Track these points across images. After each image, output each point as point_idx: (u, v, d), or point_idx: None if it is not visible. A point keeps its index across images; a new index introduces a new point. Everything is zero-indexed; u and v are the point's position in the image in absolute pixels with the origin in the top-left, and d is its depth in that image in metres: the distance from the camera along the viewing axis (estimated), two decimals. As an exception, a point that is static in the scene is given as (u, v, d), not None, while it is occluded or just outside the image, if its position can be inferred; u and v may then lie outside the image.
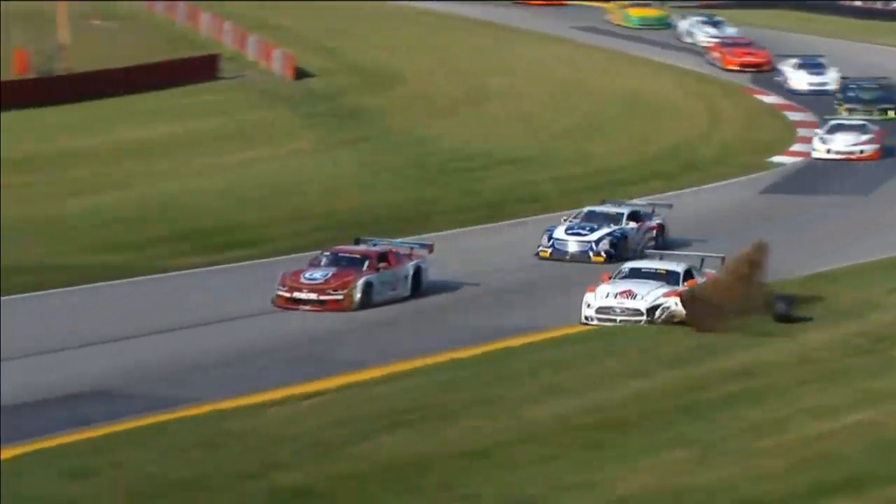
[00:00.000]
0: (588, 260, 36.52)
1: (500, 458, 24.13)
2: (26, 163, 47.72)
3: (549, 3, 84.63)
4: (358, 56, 68.05)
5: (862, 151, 50.95)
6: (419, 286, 33.22)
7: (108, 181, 45.93)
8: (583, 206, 39.10)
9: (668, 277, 31.75)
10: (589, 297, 31.36)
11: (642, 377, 28.19)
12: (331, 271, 32.09)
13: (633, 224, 37.58)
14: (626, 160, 51.25)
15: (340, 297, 31.81)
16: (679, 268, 32.18)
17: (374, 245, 33.59)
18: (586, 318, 31.27)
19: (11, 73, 58.17)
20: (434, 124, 55.49)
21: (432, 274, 33.91)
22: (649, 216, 38.50)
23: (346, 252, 32.92)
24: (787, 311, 29.78)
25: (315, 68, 64.56)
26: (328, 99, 59.64)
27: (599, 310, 31.21)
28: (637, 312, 31.00)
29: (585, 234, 36.95)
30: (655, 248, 36.67)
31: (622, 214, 37.72)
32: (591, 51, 71.83)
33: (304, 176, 47.34)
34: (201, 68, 62.06)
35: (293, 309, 31.68)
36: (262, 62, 65.43)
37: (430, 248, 34.05)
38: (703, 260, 33.23)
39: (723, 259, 32.62)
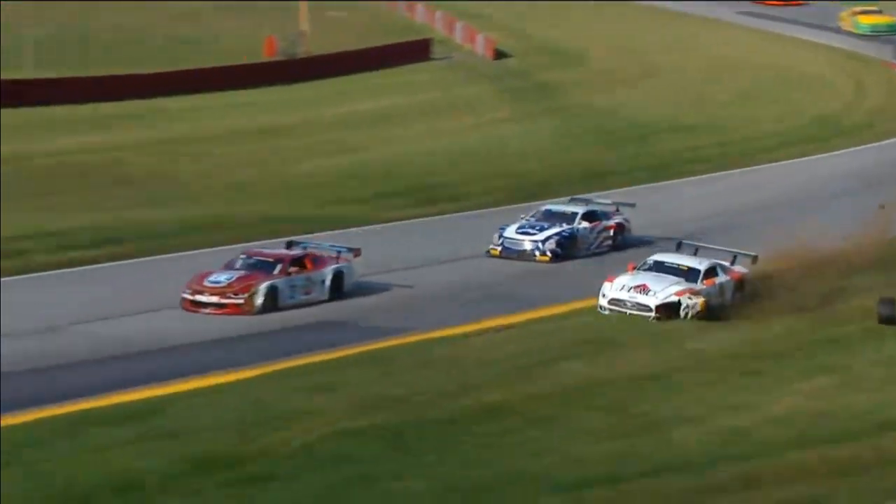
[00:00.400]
0: (535, 259, 31.85)
1: (668, 382, 23.90)
2: (272, 132, 48.43)
3: (787, 3, 76.83)
4: (548, 39, 67.63)
5: None
6: (340, 290, 28.64)
7: (340, 146, 46.38)
8: (743, 166, 37.69)
9: (689, 274, 27.95)
10: (606, 286, 27.71)
11: (795, 313, 27.64)
12: (236, 274, 27.74)
13: (586, 224, 32.67)
14: (782, 127, 50.19)
15: (241, 301, 27.34)
16: (701, 265, 28.23)
17: (305, 248, 29.30)
18: (601, 307, 27.68)
19: (262, 56, 59.23)
20: (613, 97, 54.94)
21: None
22: (607, 215, 33.36)
23: (259, 255, 28.59)
24: (891, 312, 27.89)
25: (512, 50, 64.35)
26: (523, 76, 59.41)
27: (612, 301, 27.56)
28: (646, 308, 27.31)
29: (534, 234, 32.05)
30: (614, 247, 32.79)
31: (576, 214, 32.76)
32: (752, 32, 70.22)
33: (502, 142, 47.27)
34: (416, 51, 62.27)
35: (196, 311, 27.31)
36: (467, 45, 65.43)
37: (356, 252, 29.38)
38: (735, 256, 29.10)
39: (754, 258, 29.00)
